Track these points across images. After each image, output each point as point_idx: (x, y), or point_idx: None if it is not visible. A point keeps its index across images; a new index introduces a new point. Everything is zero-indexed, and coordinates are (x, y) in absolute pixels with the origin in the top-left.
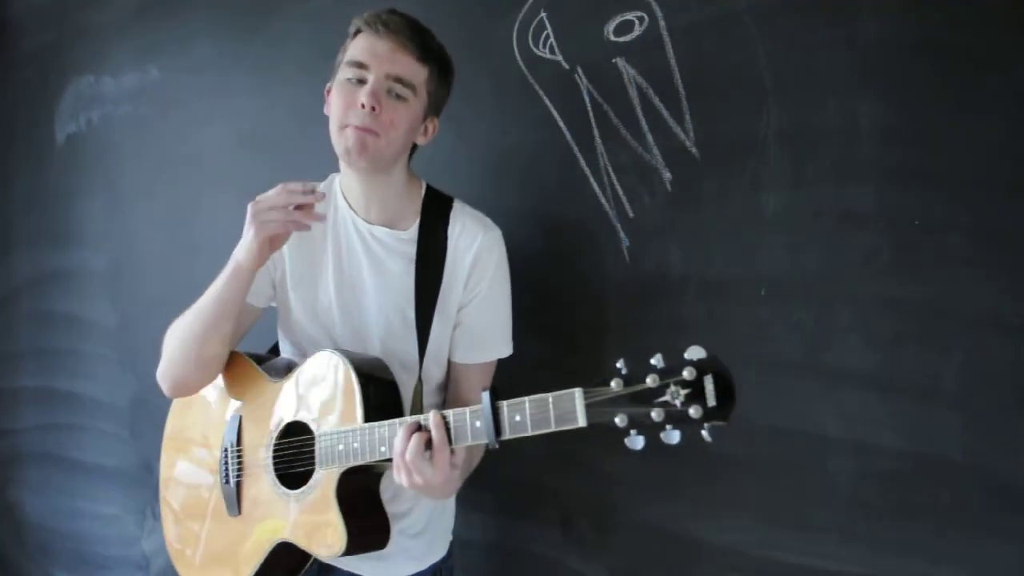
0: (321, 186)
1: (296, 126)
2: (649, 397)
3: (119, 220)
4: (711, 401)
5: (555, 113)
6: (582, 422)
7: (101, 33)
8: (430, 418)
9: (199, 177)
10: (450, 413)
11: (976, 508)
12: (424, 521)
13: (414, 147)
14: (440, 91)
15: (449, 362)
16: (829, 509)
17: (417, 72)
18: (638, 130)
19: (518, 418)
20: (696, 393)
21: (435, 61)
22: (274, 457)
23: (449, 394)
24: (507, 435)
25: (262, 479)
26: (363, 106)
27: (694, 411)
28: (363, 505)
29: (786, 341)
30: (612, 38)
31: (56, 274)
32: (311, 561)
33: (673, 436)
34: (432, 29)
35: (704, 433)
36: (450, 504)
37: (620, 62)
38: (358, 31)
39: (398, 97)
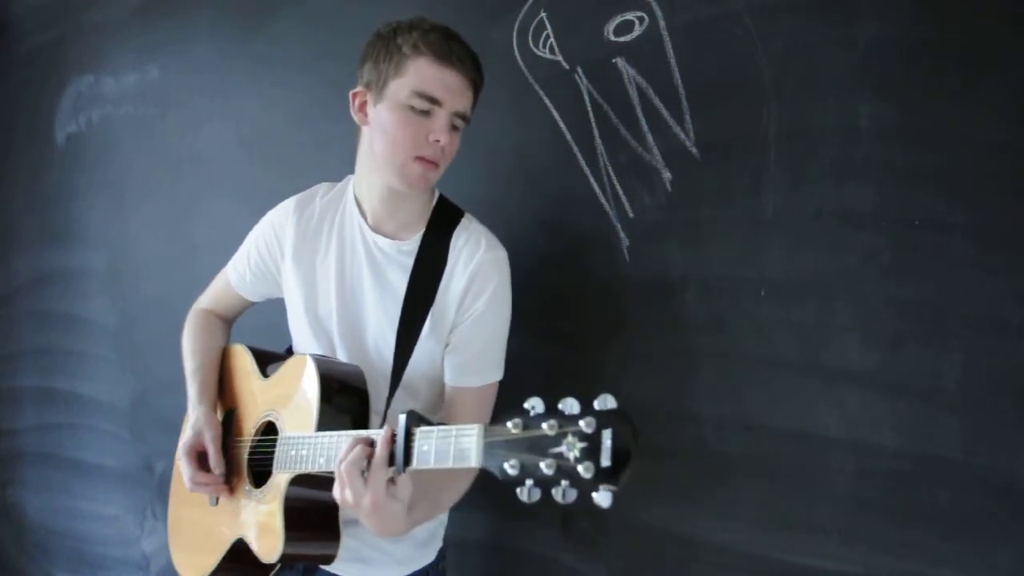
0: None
1: (296, 126)
2: (545, 446)
3: (119, 220)
4: (605, 460)
5: (555, 113)
6: (475, 462)
7: (101, 33)
8: (380, 433)
9: (199, 177)
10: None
11: (976, 508)
12: None
13: None
14: None
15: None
16: (829, 509)
17: (473, 103)
18: (638, 130)
19: (425, 447)
20: (592, 449)
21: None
22: (250, 454)
23: (442, 418)
24: (415, 465)
25: (240, 474)
26: (438, 141)
27: (584, 469)
28: (312, 517)
29: (786, 341)
30: (612, 38)
31: (56, 274)
32: (278, 564)
33: (569, 495)
34: None
35: (596, 496)
36: None
37: (620, 62)
38: (418, 51)
39: (454, 128)
